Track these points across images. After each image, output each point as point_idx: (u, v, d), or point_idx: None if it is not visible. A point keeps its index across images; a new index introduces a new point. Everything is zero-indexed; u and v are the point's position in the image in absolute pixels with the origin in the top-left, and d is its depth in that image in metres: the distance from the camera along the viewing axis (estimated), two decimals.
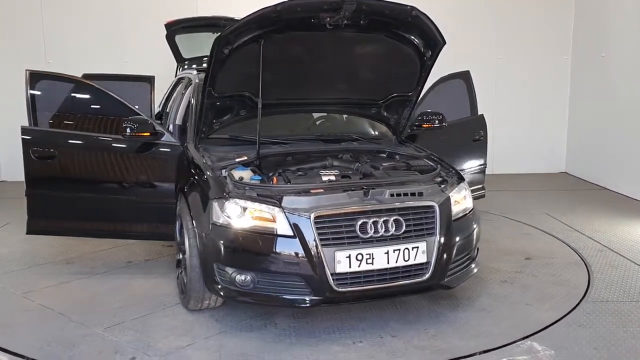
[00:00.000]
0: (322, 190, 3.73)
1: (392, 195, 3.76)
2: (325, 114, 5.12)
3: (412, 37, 4.19)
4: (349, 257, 3.54)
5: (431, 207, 3.78)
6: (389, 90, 4.70)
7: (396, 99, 4.76)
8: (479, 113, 6.01)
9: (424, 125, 5.19)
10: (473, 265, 4.14)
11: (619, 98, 7.87)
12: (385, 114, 4.88)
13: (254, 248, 3.58)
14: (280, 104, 4.56)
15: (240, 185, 3.77)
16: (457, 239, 3.88)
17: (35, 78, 4.70)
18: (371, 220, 3.59)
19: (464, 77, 5.99)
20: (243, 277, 3.60)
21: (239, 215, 3.62)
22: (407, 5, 3.91)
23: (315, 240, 3.50)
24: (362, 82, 4.63)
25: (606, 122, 8.20)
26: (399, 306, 4.13)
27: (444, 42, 4.16)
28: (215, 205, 3.68)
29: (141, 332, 3.78)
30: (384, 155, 4.59)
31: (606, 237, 5.79)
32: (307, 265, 3.50)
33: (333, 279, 3.53)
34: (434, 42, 4.19)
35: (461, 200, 4.04)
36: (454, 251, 3.86)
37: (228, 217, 3.63)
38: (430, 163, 4.43)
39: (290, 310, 3.98)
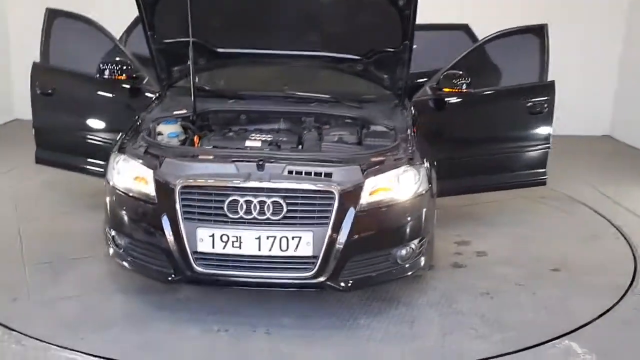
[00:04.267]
0: (210, 157, 3.32)
1: (290, 172, 3.20)
2: (312, 71, 4.50)
3: None
4: (213, 236, 3.13)
5: (329, 193, 3.15)
6: (369, 44, 3.99)
7: (383, 55, 4.01)
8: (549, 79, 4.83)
9: (445, 90, 4.32)
10: (407, 266, 3.40)
11: None
12: (375, 72, 4.15)
13: (126, 211, 3.35)
14: (245, 55, 4.13)
15: (143, 141, 3.53)
16: (364, 233, 3.20)
17: (53, 15, 4.86)
18: (243, 199, 3.11)
19: (537, 32, 4.82)
20: (122, 242, 3.41)
21: (123, 173, 3.40)
22: None
23: (178, 213, 3.15)
24: (336, 35, 3.98)
25: None
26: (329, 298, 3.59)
27: None
28: (111, 158, 3.50)
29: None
30: (349, 122, 3.94)
31: None
32: (165, 239, 3.18)
33: (194, 258, 3.17)
34: None
35: (389, 187, 3.30)
36: (356, 248, 3.19)
37: (117, 173, 3.43)
38: (391, 139, 3.68)
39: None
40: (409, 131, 3.75)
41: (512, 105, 4.72)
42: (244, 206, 3.10)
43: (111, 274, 3.79)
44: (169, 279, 3.27)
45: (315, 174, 3.21)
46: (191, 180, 3.17)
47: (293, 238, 3.12)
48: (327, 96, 4.13)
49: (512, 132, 4.74)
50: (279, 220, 3.12)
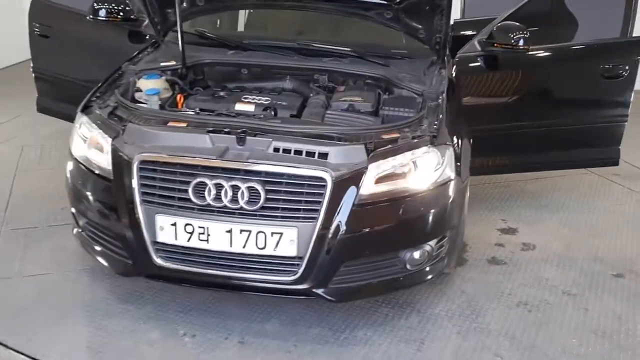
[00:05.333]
0: (182, 125, 2.69)
1: (276, 150, 2.55)
2: (334, 18, 3.71)
3: None
4: (175, 225, 2.55)
5: (319, 179, 2.48)
6: None
7: (416, 1, 3.21)
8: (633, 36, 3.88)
9: (496, 45, 3.50)
10: (426, 269, 2.74)
11: None
12: (407, 21, 3.35)
13: (82, 187, 2.80)
14: None
15: (113, 99, 2.94)
16: (364, 231, 2.54)
17: None
18: (212, 182, 2.49)
19: None
20: (81, 222, 2.88)
21: (81, 138, 2.84)
22: None
23: (135, 193, 2.56)
24: None
25: None
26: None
27: None
28: (76, 119, 2.93)
29: None
30: (371, 83, 3.20)
31: None
32: (120, 224, 2.62)
33: (154, 249, 2.60)
34: None
35: (401, 174, 2.60)
36: (352, 249, 2.54)
37: (76, 137, 2.87)
38: (415, 108, 2.94)
39: None
40: (441, 98, 2.99)
41: (582, 66, 3.85)
42: (213, 191, 2.49)
43: (83, 250, 3.29)
44: (127, 270, 2.72)
45: (307, 153, 2.54)
46: (152, 154, 2.56)
47: (272, 234, 2.49)
48: (347, 49, 3.38)
49: (580, 100, 3.88)
50: (255, 210, 2.49)
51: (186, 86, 3.23)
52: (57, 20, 4.19)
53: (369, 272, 2.63)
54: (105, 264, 2.79)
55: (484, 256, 3.49)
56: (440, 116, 2.86)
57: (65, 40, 4.19)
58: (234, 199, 2.48)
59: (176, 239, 2.55)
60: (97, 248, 2.81)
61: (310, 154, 2.54)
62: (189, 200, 2.51)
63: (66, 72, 4.25)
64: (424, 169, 2.65)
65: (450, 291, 3.13)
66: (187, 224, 2.53)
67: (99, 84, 3.11)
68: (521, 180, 4.43)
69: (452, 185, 2.74)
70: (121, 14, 3.76)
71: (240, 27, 3.94)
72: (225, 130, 2.62)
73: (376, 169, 2.55)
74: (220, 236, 2.51)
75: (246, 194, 2.46)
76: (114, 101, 2.92)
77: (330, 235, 2.49)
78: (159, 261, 2.60)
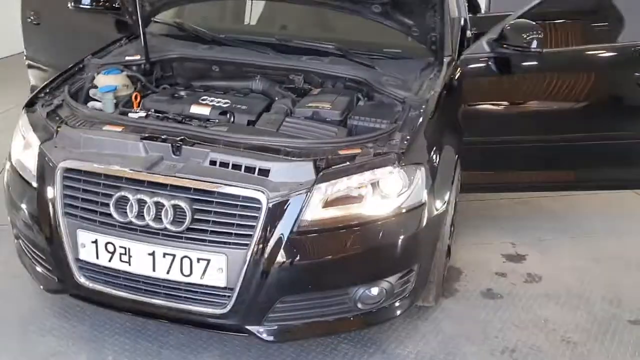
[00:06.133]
0: (117, 131, 2.41)
1: (212, 163, 2.23)
2: (322, 11, 3.31)
3: None
4: (96, 243, 2.27)
5: (254, 200, 2.14)
6: None
7: None
8: None
9: (506, 46, 3.06)
10: (386, 308, 2.37)
11: None
12: (398, 17, 2.94)
13: (12, 192, 2.56)
14: None
15: (60, 96, 2.69)
16: (305, 262, 2.19)
17: None
18: (135, 197, 2.19)
19: None
20: (14, 231, 2.65)
21: (17, 138, 2.60)
22: None
23: (57, 204, 2.30)
24: None
25: None
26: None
27: None
28: (20, 117, 2.70)
29: None
30: (351, 86, 2.83)
31: None
32: (42, 236, 2.37)
33: (77, 267, 2.33)
34: None
35: (355, 198, 2.23)
36: (291, 283, 2.20)
37: (15, 135, 2.64)
38: (390, 118, 2.56)
39: None
40: (424, 107, 2.58)
41: (613, 73, 3.33)
42: (135, 207, 2.19)
43: None
44: (53, 288, 2.47)
45: (247, 168, 2.21)
46: (77, 161, 2.29)
47: (199, 260, 2.18)
48: (330, 46, 3.00)
49: (609, 112, 3.35)
50: (180, 232, 2.17)
51: (151, 83, 2.94)
52: (50, 8, 4.02)
53: (312, 310, 2.27)
54: (33, 278, 2.55)
55: (478, 287, 3.06)
56: (417, 129, 2.46)
57: (58, 28, 4.03)
58: (157, 218, 2.17)
59: (97, 258, 2.28)
60: (26, 260, 2.57)
61: (249, 169, 2.21)
62: (110, 216, 2.23)
63: (59, 61, 4.05)
64: (386, 193, 2.26)
65: (427, 329, 2.73)
66: (108, 243, 2.25)
67: (52, 78, 2.88)
68: (544, 197, 3.94)
69: (422, 211, 2.34)
70: (102, 2, 3.53)
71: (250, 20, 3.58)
72: (162, 137, 2.31)
73: (325, 190, 2.19)
74: (143, 259, 2.22)
75: (170, 213, 2.15)
76: (60, 99, 2.67)
77: (264, 266, 2.15)
78: (82, 280, 2.34)
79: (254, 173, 2.20)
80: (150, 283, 2.25)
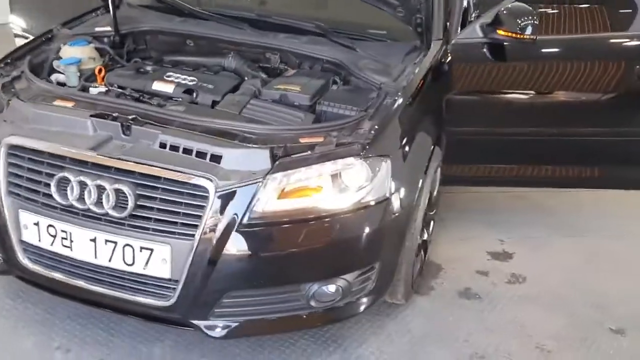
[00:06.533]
0: (68, 106, 2.28)
1: (163, 145, 2.10)
2: None
3: None
4: (38, 225, 2.16)
5: (201, 188, 2.00)
6: None
7: None
8: None
9: (501, 32, 2.85)
10: (331, 310, 2.22)
11: None
12: None
13: None
14: None
15: (21, 67, 2.57)
16: (256, 256, 2.05)
17: None
18: (76, 179, 2.07)
19: None
20: None
21: None
22: None
23: (1, 181, 2.19)
24: None
25: None
26: None
27: None
28: None
29: None
30: (328, 68, 2.66)
31: None
32: None
33: (20, 249, 2.23)
34: None
35: (313, 189, 2.08)
36: (239, 277, 2.07)
37: None
38: (361, 105, 2.39)
39: None
40: (400, 94, 2.41)
41: (616, 65, 3.10)
42: (77, 190, 2.06)
43: None
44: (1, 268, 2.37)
45: (198, 153, 2.07)
46: (21, 138, 2.17)
47: (142, 249, 2.05)
48: (312, 24, 2.83)
49: (608, 106, 3.14)
50: (122, 219, 2.05)
51: (122, 57, 2.81)
52: None
53: (261, 306, 2.14)
54: None
55: (456, 286, 2.91)
56: (389, 118, 2.29)
57: None
58: (99, 202, 2.04)
59: (40, 240, 2.17)
60: None
61: (201, 154, 2.07)
62: (51, 196, 2.11)
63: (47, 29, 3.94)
64: (346, 185, 2.11)
65: (394, 328, 2.59)
66: (49, 226, 2.13)
67: (17, 47, 2.75)
68: (541, 192, 3.74)
69: (386, 206, 2.18)
70: None
71: None
72: (114, 115, 2.18)
73: (280, 180, 2.04)
74: (84, 245, 2.10)
75: (112, 198, 2.03)
76: (20, 70, 2.55)
77: (210, 259, 2.02)
78: (25, 262, 2.23)
79: (205, 159, 2.06)
80: (93, 270, 2.14)
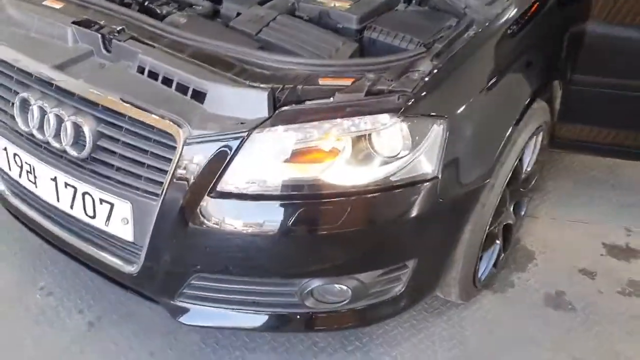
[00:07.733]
0: (57, 7, 1.84)
1: (141, 70, 1.61)
2: None
3: None
4: (6, 151, 1.80)
5: (168, 136, 1.50)
6: None
7: None
8: None
9: None
10: (335, 314, 1.68)
11: None
12: None
13: None
14: None
15: None
16: (226, 230, 1.53)
17: None
18: (37, 103, 1.65)
19: None
20: None
21: None
22: None
23: None
24: None
25: None
26: None
27: None
28: None
29: None
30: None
31: None
32: None
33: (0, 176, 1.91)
34: None
35: (324, 154, 1.49)
36: (207, 252, 1.57)
37: None
38: (430, 35, 1.71)
39: None
40: (487, 26, 1.70)
41: None
42: (37, 116, 1.65)
43: None
44: None
45: (179, 86, 1.55)
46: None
47: (102, 202, 1.62)
48: None
49: None
50: (81, 160, 1.62)
51: None
52: None
53: (241, 296, 1.64)
54: None
55: (546, 286, 2.22)
56: (459, 60, 1.61)
57: None
58: (57, 135, 1.62)
59: (10, 168, 1.82)
60: None
61: (182, 88, 1.55)
62: (14, 119, 1.72)
63: None
64: (374, 153, 1.50)
65: (440, 335, 2.00)
66: (15, 154, 1.77)
67: None
68: None
69: (431, 188, 1.55)
70: None
71: None
72: (101, 23, 1.71)
73: (276, 137, 1.48)
74: (47, 184, 1.72)
75: (70, 132, 1.59)
76: None
77: (173, 226, 1.54)
78: (2, 188, 1.91)
79: (186, 94, 1.54)
80: (58, 214, 1.76)
